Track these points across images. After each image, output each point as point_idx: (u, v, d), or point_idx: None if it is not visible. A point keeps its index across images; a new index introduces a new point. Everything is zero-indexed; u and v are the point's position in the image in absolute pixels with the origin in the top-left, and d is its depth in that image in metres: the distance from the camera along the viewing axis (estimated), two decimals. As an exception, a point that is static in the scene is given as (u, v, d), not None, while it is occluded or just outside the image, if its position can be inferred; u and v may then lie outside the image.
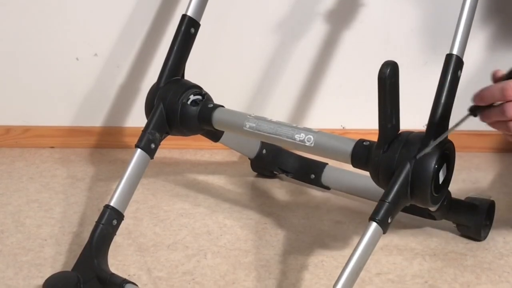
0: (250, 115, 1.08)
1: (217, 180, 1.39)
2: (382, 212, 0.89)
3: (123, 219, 1.04)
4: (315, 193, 1.32)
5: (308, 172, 1.30)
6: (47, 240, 1.16)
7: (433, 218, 1.13)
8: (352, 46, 1.45)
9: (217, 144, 1.53)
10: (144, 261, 1.10)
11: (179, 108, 1.11)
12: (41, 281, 1.04)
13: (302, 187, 1.34)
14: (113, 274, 0.98)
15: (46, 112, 1.53)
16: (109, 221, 1.02)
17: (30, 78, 1.50)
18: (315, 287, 1.03)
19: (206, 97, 1.14)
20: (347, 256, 1.10)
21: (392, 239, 1.16)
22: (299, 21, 1.44)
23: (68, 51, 1.48)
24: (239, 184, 1.38)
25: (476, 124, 1.51)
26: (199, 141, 1.53)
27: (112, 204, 1.03)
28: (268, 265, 1.08)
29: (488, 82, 1.45)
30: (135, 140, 1.53)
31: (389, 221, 0.90)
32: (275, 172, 1.37)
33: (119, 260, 1.11)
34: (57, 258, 1.11)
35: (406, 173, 0.90)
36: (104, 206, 1.03)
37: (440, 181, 0.93)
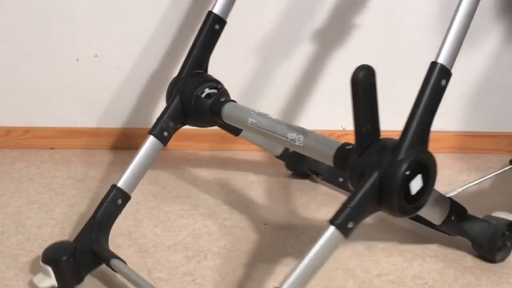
0: (254, 112, 1.10)
1: (217, 181, 1.39)
2: (341, 216, 0.87)
3: (129, 200, 1.09)
4: (316, 194, 1.32)
5: (336, 175, 1.29)
6: (48, 241, 1.16)
7: (447, 233, 1.10)
8: (353, 46, 1.45)
9: (217, 144, 1.54)
10: (144, 262, 1.10)
11: (193, 100, 1.15)
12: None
13: (302, 187, 1.34)
14: (105, 249, 1.03)
15: (46, 113, 1.53)
16: (114, 200, 1.07)
17: (30, 79, 1.50)
18: (315, 288, 1.03)
19: (220, 91, 1.17)
20: (347, 257, 1.11)
21: (392, 240, 1.16)
22: (298, 22, 1.44)
23: (68, 52, 1.48)
24: (239, 185, 1.38)
25: (476, 125, 1.52)
26: (199, 142, 1.54)
27: (119, 184, 1.08)
28: (269, 266, 1.08)
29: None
30: (135, 141, 1.54)
31: (350, 226, 0.88)
32: (308, 173, 1.36)
33: None
34: (57, 259, 1.11)
35: (374, 179, 0.88)
36: (111, 186, 1.08)
37: (413, 192, 0.90)
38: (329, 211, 1.26)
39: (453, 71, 1.45)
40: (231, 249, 1.14)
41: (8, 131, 1.54)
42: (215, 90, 1.16)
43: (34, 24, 1.45)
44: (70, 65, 1.49)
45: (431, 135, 1.49)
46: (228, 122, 1.15)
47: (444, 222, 1.05)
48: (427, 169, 0.92)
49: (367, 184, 0.88)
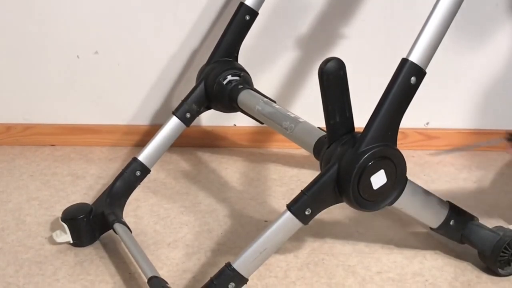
0: (262, 99, 1.16)
1: (217, 178, 1.39)
2: (298, 203, 0.90)
3: (148, 173, 1.17)
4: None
5: None
6: (48, 238, 1.16)
7: (459, 241, 1.07)
8: (353, 44, 1.45)
9: (217, 142, 1.54)
10: (144, 259, 1.10)
11: (215, 85, 1.22)
12: (42, 279, 1.04)
13: (302, 184, 1.34)
14: (113, 213, 1.11)
15: (46, 110, 1.53)
16: (132, 171, 1.16)
17: (31, 76, 1.50)
18: (315, 285, 1.03)
19: (242, 79, 1.23)
20: (348, 255, 1.11)
21: (393, 237, 1.16)
22: (297, 20, 1.44)
23: (69, 49, 1.48)
24: (239, 183, 1.38)
25: (476, 123, 1.52)
26: (199, 139, 1.54)
27: (139, 158, 1.17)
28: (269, 263, 1.08)
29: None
30: (135, 138, 1.55)
31: (308, 213, 0.90)
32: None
33: (120, 258, 1.11)
34: (57, 256, 1.11)
35: (333, 170, 0.90)
36: (132, 158, 1.17)
37: (375, 187, 0.91)
38: (329, 210, 1.26)
39: (458, 68, 1.46)
40: (232, 246, 1.14)
41: (8, 128, 1.54)
42: (237, 78, 1.22)
43: (35, 21, 1.45)
44: (70, 61, 1.49)
45: (431, 132, 1.51)
46: (243, 108, 1.21)
47: (442, 227, 1.04)
48: (392, 165, 0.92)
49: (327, 174, 0.90)
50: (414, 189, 0.99)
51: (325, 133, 0.99)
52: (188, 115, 1.22)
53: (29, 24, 1.46)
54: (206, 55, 1.28)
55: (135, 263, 1.04)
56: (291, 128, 1.07)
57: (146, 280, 0.96)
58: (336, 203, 0.93)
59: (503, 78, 1.48)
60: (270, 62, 1.48)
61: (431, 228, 1.07)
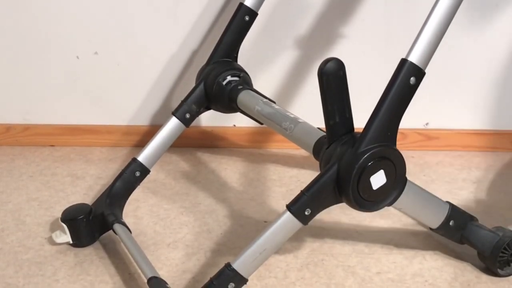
0: (262, 100, 1.16)
1: (217, 179, 1.39)
2: (298, 203, 0.91)
3: (147, 174, 1.18)
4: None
5: None
6: (47, 238, 1.16)
7: (459, 241, 1.07)
8: (352, 44, 1.45)
9: (217, 143, 1.54)
10: (144, 259, 1.10)
11: (214, 86, 1.22)
12: (41, 279, 1.04)
13: (302, 185, 1.34)
14: (113, 214, 1.11)
15: (46, 110, 1.53)
16: (132, 172, 1.17)
17: (31, 76, 1.50)
18: (315, 286, 1.03)
19: (241, 80, 1.23)
20: (347, 255, 1.11)
21: (392, 238, 1.16)
22: (297, 20, 1.44)
23: (69, 49, 1.48)
24: (239, 183, 1.38)
25: (476, 123, 1.52)
26: (199, 140, 1.54)
27: (139, 158, 1.17)
28: (269, 263, 1.08)
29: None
30: (135, 139, 1.55)
31: (307, 213, 0.90)
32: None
33: (119, 258, 1.11)
34: (57, 257, 1.11)
35: (333, 170, 0.90)
36: (131, 159, 1.18)
37: (375, 187, 0.91)
38: (329, 210, 1.26)
39: (458, 68, 1.47)
40: (231, 247, 1.14)
41: (8, 128, 1.54)
42: (236, 78, 1.23)
43: (35, 21, 1.45)
44: (70, 62, 1.49)
45: (430, 133, 1.51)
46: (241, 108, 1.21)
47: (442, 227, 1.04)
48: (392, 165, 0.92)
49: (326, 174, 0.90)
50: (413, 189, 0.99)
51: (324, 134, 1.00)
52: (187, 115, 1.23)
53: (29, 24, 1.46)
54: (206, 55, 1.28)
55: (134, 263, 1.04)
56: (290, 128, 1.07)
57: (145, 281, 0.96)
58: (336, 203, 0.93)
59: (503, 79, 1.48)
60: (269, 62, 1.48)
61: (430, 229, 1.07)
